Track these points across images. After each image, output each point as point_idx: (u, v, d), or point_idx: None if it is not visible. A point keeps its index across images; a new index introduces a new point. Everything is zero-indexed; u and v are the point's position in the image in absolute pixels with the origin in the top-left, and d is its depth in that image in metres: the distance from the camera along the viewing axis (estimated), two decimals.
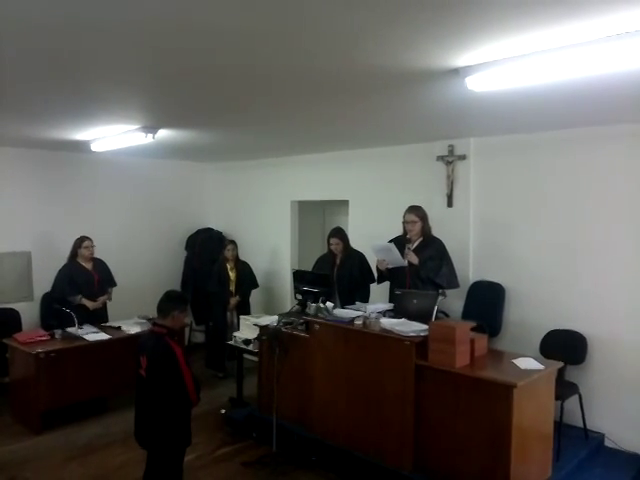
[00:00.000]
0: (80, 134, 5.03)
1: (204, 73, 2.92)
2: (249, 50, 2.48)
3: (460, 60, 2.52)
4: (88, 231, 5.88)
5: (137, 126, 4.49)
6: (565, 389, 4.09)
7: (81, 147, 5.66)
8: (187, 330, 6.90)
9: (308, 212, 7.12)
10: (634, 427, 4.25)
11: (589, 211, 4.48)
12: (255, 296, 6.84)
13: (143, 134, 4.52)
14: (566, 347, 4.38)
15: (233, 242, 6.60)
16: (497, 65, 2.50)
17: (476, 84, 2.66)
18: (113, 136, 4.90)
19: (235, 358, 6.25)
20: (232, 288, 6.46)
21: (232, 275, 6.48)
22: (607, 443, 4.36)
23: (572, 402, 4.25)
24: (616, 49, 2.20)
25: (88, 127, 4.68)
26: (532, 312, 4.76)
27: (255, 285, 6.64)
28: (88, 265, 5.71)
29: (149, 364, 3.20)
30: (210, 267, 6.77)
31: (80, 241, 5.65)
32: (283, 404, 4.40)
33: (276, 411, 4.29)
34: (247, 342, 4.41)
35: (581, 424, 4.32)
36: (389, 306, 4.49)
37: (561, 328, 4.52)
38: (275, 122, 4.43)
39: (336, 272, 5.31)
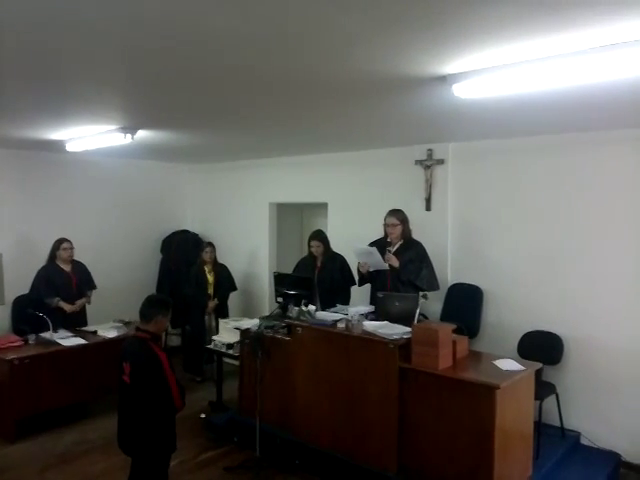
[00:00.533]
0: (55, 134, 4.91)
1: (187, 74, 2.88)
2: (235, 52, 2.46)
3: (448, 68, 2.56)
4: (62, 232, 5.78)
5: (116, 126, 4.41)
6: (543, 389, 4.19)
7: (55, 147, 5.52)
8: (163, 334, 6.81)
9: (286, 214, 7.10)
10: (609, 425, 4.37)
11: (565, 215, 4.59)
12: (232, 299, 6.79)
13: (122, 134, 4.44)
14: (543, 348, 4.48)
15: (211, 244, 6.53)
16: (484, 73, 2.55)
17: (463, 91, 2.70)
18: (90, 136, 4.81)
19: (213, 362, 6.24)
20: (210, 291, 6.40)
21: (210, 278, 6.42)
22: (583, 441, 4.47)
23: (549, 402, 4.35)
24: (598, 61, 2.28)
25: (64, 127, 4.57)
26: (509, 314, 4.85)
27: (234, 288, 6.59)
28: (67, 267, 5.61)
29: (133, 370, 3.15)
30: (186, 270, 6.70)
31: (59, 243, 5.58)
32: (265, 408, 4.38)
33: (259, 416, 4.26)
34: (230, 346, 4.39)
35: (558, 423, 4.42)
36: (370, 308, 4.52)
37: (538, 329, 4.62)
38: (257, 125, 4.42)
39: (317, 275, 5.31)
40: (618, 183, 4.32)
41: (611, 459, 4.25)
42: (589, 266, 4.47)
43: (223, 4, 1.91)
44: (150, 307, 3.29)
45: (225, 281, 6.48)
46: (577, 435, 4.48)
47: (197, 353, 6.34)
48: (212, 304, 6.36)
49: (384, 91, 3.02)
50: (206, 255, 6.39)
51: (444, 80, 2.70)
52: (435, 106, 3.32)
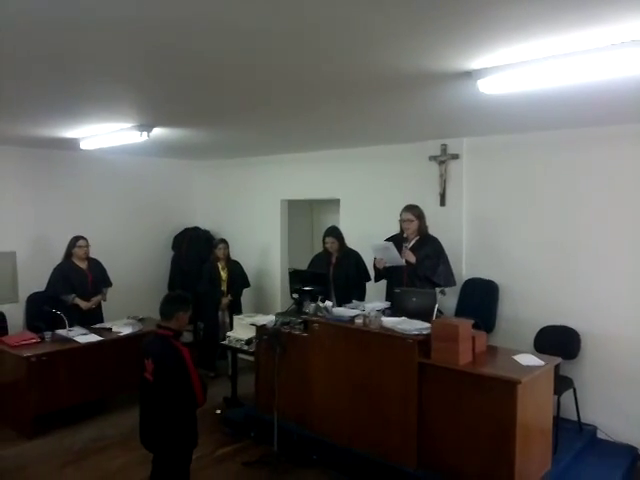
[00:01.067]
0: (70, 132, 4.92)
1: (205, 72, 2.89)
2: (255, 50, 2.46)
3: (474, 63, 2.56)
4: (75, 230, 5.80)
5: (132, 124, 4.42)
6: (561, 384, 4.19)
7: (69, 145, 5.54)
8: None
9: (297, 211, 7.10)
10: (625, 419, 4.37)
11: (581, 209, 4.58)
12: (245, 295, 6.82)
13: (138, 132, 4.45)
14: (560, 342, 4.47)
15: (224, 241, 6.55)
16: (509, 69, 2.54)
17: (488, 87, 2.70)
18: (105, 134, 4.81)
19: (225, 357, 6.28)
20: (224, 288, 6.42)
21: (224, 274, 6.44)
22: (600, 435, 4.48)
23: (566, 396, 4.35)
24: (622, 56, 2.28)
25: (79, 125, 4.58)
26: (525, 308, 4.85)
27: (247, 284, 6.61)
28: (83, 265, 5.64)
29: (156, 367, 3.16)
30: (198, 267, 6.71)
31: (75, 240, 5.62)
32: (282, 403, 4.40)
33: (277, 411, 4.28)
34: (249, 342, 4.40)
35: (575, 417, 4.42)
36: (387, 304, 4.52)
37: (554, 324, 4.62)
38: (274, 122, 4.42)
39: (332, 271, 5.32)
40: (634, 176, 4.30)
41: (628, 453, 4.26)
42: (605, 260, 4.46)
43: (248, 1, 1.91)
44: (170, 304, 3.31)
45: (238, 278, 6.50)
46: (594, 429, 4.49)
47: (211, 349, 6.37)
48: (226, 300, 6.37)
49: (408, 87, 3.02)
50: (219, 252, 6.40)
51: (469, 76, 2.69)
52: (457, 102, 3.32)
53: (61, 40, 2.33)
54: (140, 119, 4.27)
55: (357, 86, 3.05)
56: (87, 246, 5.63)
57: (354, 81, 2.94)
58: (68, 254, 5.60)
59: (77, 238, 5.60)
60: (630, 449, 4.30)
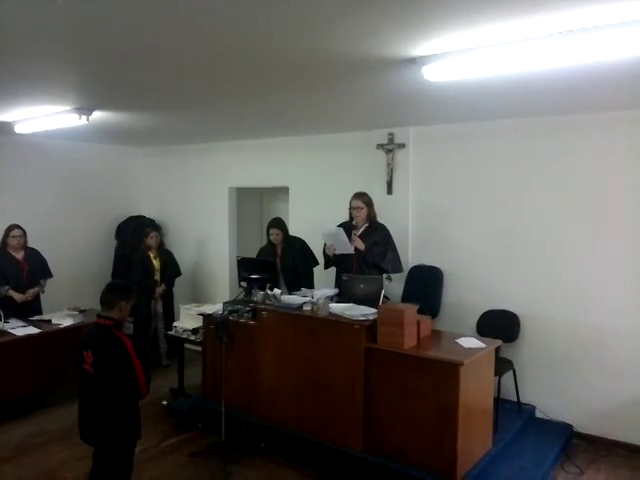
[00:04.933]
0: (2, 115, 4.67)
1: (145, 51, 2.80)
2: (197, 30, 2.40)
3: (419, 49, 2.58)
4: (11, 219, 5.53)
5: (71, 107, 4.23)
6: (502, 365, 4.34)
7: (3, 128, 5.25)
8: None
9: (246, 199, 7.02)
10: (562, 398, 4.58)
11: (522, 197, 4.74)
12: (182, 285, 6.71)
13: (77, 116, 4.27)
14: (501, 326, 4.63)
15: (156, 229, 6.43)
16: (454, 55, 2.58)
17: (433, 74, 2.72)
18: (42, 117, 4.59)
19: (158, 349, 6.24)
20: (157, 277, 6.30)
21: (156, 263, 6.31)
22: (538, 414, 4.67)
23: (506, 378, 4.51)
24: (567, 44, 2.33)
25: (12, 107, 4.35)
26: (469, 294, 4.99)
27: (178, 273, 6.53)
28: (18, 255, 5.39)
29: (97, 358, 3.05)
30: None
31: (8, 230, 5.37)
32: (230, 392, 4.35)
33: (224, 400, 4.24)
34: (195, 331, 4.32)
35: (514, 398, 4.60)
36: (336, 291, 4.55)
37: (496, 308, 4.77)
38: (217, 106, 4.33)
39: (279, 262, 5.29)
40: (574, 165, 4.48)
41: (564, 430, 4.46)
42: (545, 246, 4.64)
43: None
44: (112, 293, 3.21)
45: (170, 266, 6.40)
46: (532, 408, 4.67)
47: (143, 339, 6.20)
48: (160, 290, 6.27)
49: (353, 72, 3.01)
50: (151, 240, 6.26)
51: (414, 62, 2.71)
52: (403, 89, 3.34)
53: None
54: (79, 101, 4.09)
55: (302, 70, 3.02)
56: (22, 236, 5.38)
57: (298, 65, 2.91)
58: (2, 244, 5.35)
59: (11, 227, 5.36)
60: (566, 426, 4.50)
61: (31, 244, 5.59)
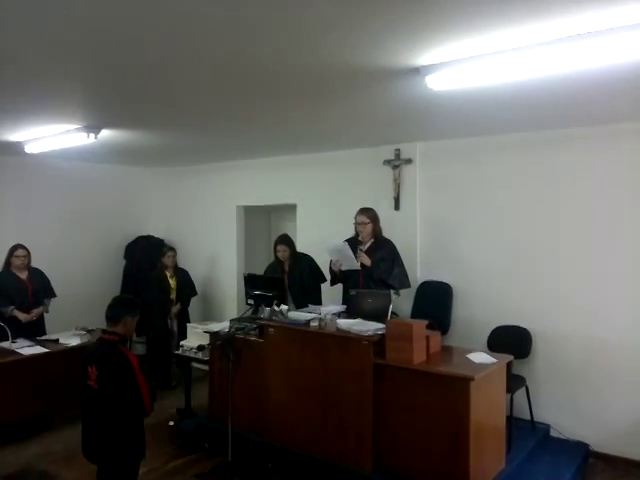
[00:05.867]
0: (14, 135, 4.73)
1: (153, 68, 2.83)
2: (201, 43, 2.41)
3: (422, 59, 2.57)
4: (20, 238, 5.55)
5: (78, 125, 4.27)
6: (514, 382, 4.23)
7: (13, 149, 5.32)
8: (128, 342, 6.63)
9: (254, 217, 7.04)
10: (577, 416, 4.46)
11: (532, 212, 4.69)
12: (196, 304, 6.72)
13: (85, 134, 4.31)
14: (512, 342, 4.53)
15: (173, 249, 6.49)
16: (458, 64, 2.57)
17: (436, 83, 2.72)
18: (51, 136, 4.64)
19: (181, 367, 6.12)
20: (173, 296, 6.33)
21: (172, 282, 6.35)
22: (552, 433, 4.54)
23: (519, 395, 4.40)
24: (571, 51, 2.31)
25: (23, 126, 4.41)
26: (479, 310, 4.91)
27: (194, 293, 6.56)
28: (22, 275, 5.38)
29: (101, 374, 3.02)
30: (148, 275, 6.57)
31: (13, 250, 5.35)
32: (237, 412, 4.28)
33: (231, 420, 4.16)
34: (201, 348, 4.28)
35: (528, 416, 4.48)
36: (343, 308, 4.49)
37: (507, 324, 4.68)
38: (223, 123, 4.35)
39: (287, 279, 5.26)
40: (586, 179, 4.42)
41: (580, 449, 4.33)
42: (557, 262, 4.57)
43: None
44: (118, 308, 3.18)
45: (186, 286, 6.43)
46: (547, 427, 4.55)
47: (163, 359, 6.20)
48: (175, 309, 6.28)
49: (356, 83, 3.00)
50: (168, 260, 6.30)
51: (417, 72, 2.71)
52: (407, 100, 3.33)
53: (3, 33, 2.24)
54: (87, 119, 4.13)
55: (301, 82, 3.02)
56: (26, 256, 5.37)
57: (301, 77, 2.91)
58: (7, 264, 5.35)
59: (15, 247, 5.35)
60: (582, 446, 4.37)
61: (39, 264, 5.60)
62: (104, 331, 3.16)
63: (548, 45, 2.32)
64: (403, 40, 2.34)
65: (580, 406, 4.44)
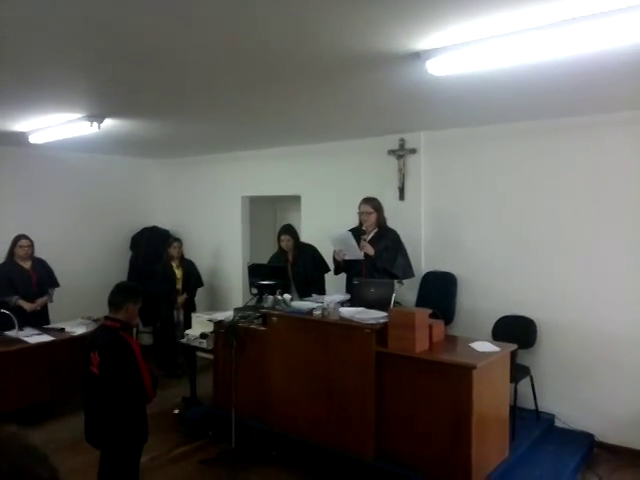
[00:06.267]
0: (18, 124, 4.75)
1: (152, 55, 2.82)
2: (199, 27, 2.39)
3: (422, 43, 2.54)
4: (26, 229, 5.59)
5: (81, 114, 4.28)
6: (518, 372, 4.21)
7: (17, 139, 5.34)
8: (134, 332, 6.67)
9: (259, 208, 7.04)
10: (582, 407, 4.43)
11: (536, 201, 4.65)
12: (202, 294, 6.74)
13: (88, 123, 4.31)
14: (517, 332, 4.50)
15: (178, 240, 6.51)
16: (459, 48, 2.53)
17: (437, 68, 2.68)
18: (55, 126, 4.65)
19: (185, 356, 6.15)
20: (179, 286, 6.35)
21: (178, 273, 6.38)
22: (557, 423, 4.52)
23: (524, 386, 4.39)
24: (577, 32, 2.25)
25: (27, 116, 4.41)
26: (484, 300, 4.88)
27: (200, 283, 6.58)
28: (26, 265, 5.42)
29: (103, 360, 3.04)
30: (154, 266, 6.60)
31: (16, 240, 5.40)
32: (241, 400, 4.30)
33: (234, 407, 4.18)
34: (203, 336, 4.29)
35: (533, 406, 4.46)
36: (346, 297, 4.49)
37: (511, 314, 4.66)
38: (226, 111, 4.30)
39: (290, 269, 5.27)
40: (589, 168, 4.38)
41: (585, 440, 4.30)
42: (562, 251, 4.53)
43: None
44: (120, 295, 3.19)
45: (193, 276, 6.45)
46: (552, 417, 4.53)
47: (170, 349, 6.24)
48: (181, 299, 6.31)
49: (356, 69, 2.97)
50: (174, 250, 6.32)
51: (417, 57, 2.67)
52: (408, 86, 3.29)
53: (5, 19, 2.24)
54: (90, 108, 4.14)
55: (303, 68, 2.98)
56: (29, 246, 5.41)
57: (299, 62, 2.88)
58: (10, 254, 5.39)
59: (18, 237, 5.39)
60: (587, 436, 4.35)
61: (45, 255, 5.64)
62: (106, 317, 3.18)
63: (551, 28, 2.27)
64: (402, 24, 2.31)
65: (585, 396, 4.41)
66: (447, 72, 2.77)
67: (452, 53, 2.56)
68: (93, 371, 3.09)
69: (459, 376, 3.39)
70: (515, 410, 4.09)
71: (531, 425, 4.34)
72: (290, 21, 2.32)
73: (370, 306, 4.09)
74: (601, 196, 4.33)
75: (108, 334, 3.11)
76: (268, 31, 2.44)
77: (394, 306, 4.16)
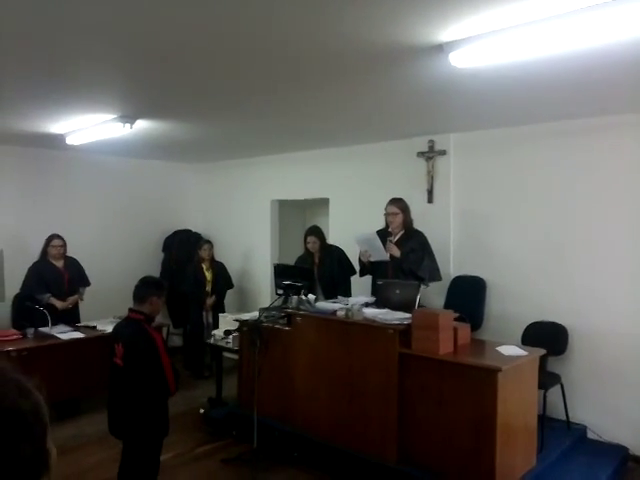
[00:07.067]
0: (54, 126, 4.91)
1: (181, 55, 2.88)
2: (227, 24, 2.42)
3: (444, 35, 2.50)
4: (61, 230, 5.74)
5: (114, 115, 4.40)
6: (548, 378, 4.09)
7: (55, 141, 5.52)
8: (165, 333, 6.77)
9: (289, 212, 7.08)
10: (616, 418, 4.25)
11: (569, 204, 4.52)
12: (232, 296, 6.79)
13: (120, 124, 4.43)
14: (547, 338, 4.36)
15: (209, 242, 6.58)
16: (482, 39, 2.48)
17: (460, 60, 2.64)
18: (89, 127, 4.80)
19: (215, 359, 6.20)
20: (208, 288, 6.41)
21: (208, 275, 6.44)
22: (590, 435, 4.34)
23: (554, 395, 4.25)
24: (606, 17, 2.13)
25: (63, 116, 4.55)
26: (513, 305, 4.76)
27: (230, 285, 6.63)
28: (59, 263, 5.56)
29: (126, 351, 3.09)
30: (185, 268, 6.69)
31: (49, 239, 5.54)
32: (264, 400, 4.29)
33: (257, 406, 4.18)
34: (227, 332, 4.31)
35: (563, 417, 4.30)
36: (371, 299, 4.45)
37: (542, 320, 4.52)
38: (254, 111, 4.34)
39: (316, 271, 5.26)
40: (626, 170, 4.23)
41: (618, 453, 4.12)
42: (595, 256, 4.38)
43: None
44: (144, 288, 3.25)
45: (223, 278, 6.52)
46: (583, 428, 4.36)
47: (197, 349, 6.30)
48: (210, 301, 6.36)
49: (378, 65, 2.94)
50: (204, 252, 6.39)
51: (440, 49, 2.64)
52: (432, 81, 3.23)
53: (40, 22, 2.33)
54: (122, 109, 4.24)
55: (326, 64, 2.97)
56: (62, 245, 5.54)
57: (323, 58, 2.87)
58: (44, 253, 5.53)
59: (52, 237, 5.53)
60: (620, 449, 4.17)
61: (79, 255, 5.78)
62: (131, 309, 3.23)
63: (578, 14, 2.16)
64: (422, 12, 2.28)
65: (619, 407, 4.23)
66: (470, 64, 2.72)
67: (475, 44, 2.51)
68: (117, 362, 3.15)
69: (484, 379, 3.31)
70: (544, 419, 3.95)
71: (561, 435, 4.19)
72: (307, 12, 2.31)
73: (395, 307, 4.04)
74: (637, 198, 4.17)
75: (132, 326, 3.17)
76: (285, 28, 2.45)
77: (419, 307, 4.11)
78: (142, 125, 4.73)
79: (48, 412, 0.85)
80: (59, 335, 5.12)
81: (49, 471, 0.79)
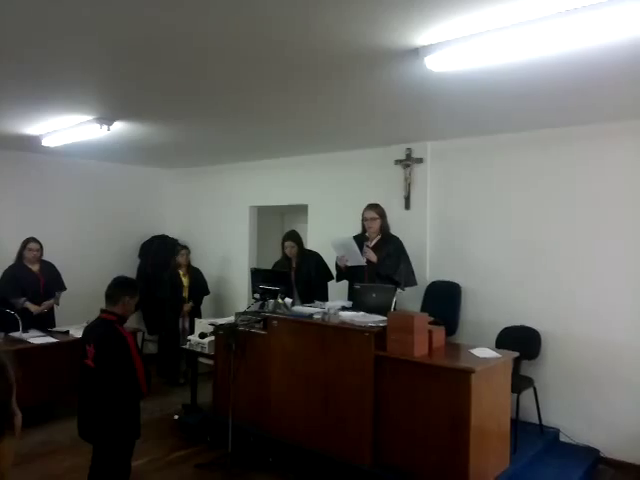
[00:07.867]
0: (30, 127, 4.85)
1: (160, 56, 2.88)
2: (191, 18, 2.41)
3: (420, 38, 2.55)
4: (37, 233, 5.65)
5: (92, 117, 4.37)
6: (521, 382, 4.14)
7: (30, 144, 5.46)
8: (139, 340, 6.68)
9: (267, 218, 7.08)
10: (587, 421, 4.32)
11: (542, 212, 4.61)
12: (207, 303, 6.75)
13: (98, 125, 4.40)
14: (521, 342, 4.40)
15: (186, 247, 6.57)
16: (457, 43, 2.53)
17: (435, 64, 2.69)
18: (66, 129, 4.75)
19: (190, 364, 6.13)
20: (185, 294, 6.38)
21: (185, 281, 6.41)
22: (562, 438, 4.40)
23: (527, 398, 4.30)
24: (584, 23, 2.20)
25: (38, 117, 4.50)
26: (488, 310, 4.82)
27: (206, 292, 6.59)
28: (35, 267, 5.48)
29: (98, 352, 3.04)
30: (161, 274, 6.63)
31: (25, 243, 5.46)
32: (240, 404, 4.27)
33: (232, 411, 4.14)
34: (202, 335, 4.27)
35: (536, 420, 4.36)
36: (348, 303, 4.46)
37: (515, 325, 4.58)
38: (228, 115, 4.33)
39: (294, 275, 5.26)
40: (597, 179, 4.34)
41: (589, 455, 4.18)
42: (567, 262, 4.47)
43: None
44: (117, 288, 3.22)
45: (199, 284, 6.48)
46: (556, 431, 4.42)
47: (173, 356, 6.23)
48: (187, 307, 6.33)
49: (354, 67, 2.97)
50: (181, 258, 6.37)
51: (416, 53, 2.68)
52: (409, 86, 3.28)
53: (17, 19, 2.31)
54: (100, 111, 4.22)
55: (301, 65, 2.99)
56: (38, 249, 5.47)
57: (297, 59, 2.89)
58: (19, 256, 5.45)
59: (28, 240, 5.46)
60: (591, 451, 4.23)
61: (54, 259, 5.69)
62: (102, 310, 3.19)
63: (555, 18, 2.21)
64: (400, 17, 2.32)
65: (590, 410, 4.30)
66: (446, 68, 2.78)
67: (450, 48, 2.56)
68: (88, 364, 3.09)
69: (458, 380, 3.33)
70: (517, 422, 3.99)
71: (534, 438, 4.24)
72: (286, 11, 2.33)
73: (371, 311, 4.06)
74: (610, 208, 4.27)
75: (104, 326, 3.12)
76: (269, 28, 2.47)
77: (394, 310, 4.13)
78: (120, 127, 4.70)
79: (14, 377, 0.84)
80: (30, 340, 5.03)
81: (13, 432, 0.79)
